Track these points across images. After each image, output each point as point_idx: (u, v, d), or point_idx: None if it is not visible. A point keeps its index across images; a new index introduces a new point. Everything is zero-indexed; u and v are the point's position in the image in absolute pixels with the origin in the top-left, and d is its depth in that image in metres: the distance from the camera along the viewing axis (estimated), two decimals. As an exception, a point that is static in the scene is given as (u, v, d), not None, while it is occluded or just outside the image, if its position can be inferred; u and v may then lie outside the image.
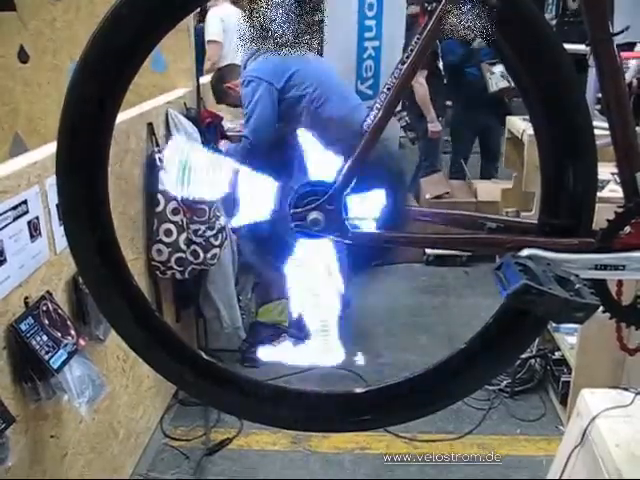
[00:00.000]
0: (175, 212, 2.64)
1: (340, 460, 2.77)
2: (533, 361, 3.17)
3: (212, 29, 4.85)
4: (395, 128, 4.87)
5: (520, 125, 3.35)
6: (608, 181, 2.30)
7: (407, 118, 5.12)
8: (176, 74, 3.22)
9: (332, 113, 3.06)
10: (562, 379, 2.94)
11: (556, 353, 3.08)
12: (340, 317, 1.00)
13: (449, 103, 5.61)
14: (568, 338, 2.89)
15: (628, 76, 2.88)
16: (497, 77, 4.90)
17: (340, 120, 1.02)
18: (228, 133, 3.69)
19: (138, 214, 2.59)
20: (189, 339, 3.12)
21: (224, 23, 4.76)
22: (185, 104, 3.12)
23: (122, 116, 2.42)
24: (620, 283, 1.07)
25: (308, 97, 3.17)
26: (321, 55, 3.31)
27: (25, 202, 1.73)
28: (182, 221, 2.65)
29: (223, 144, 3.46)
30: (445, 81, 5.18)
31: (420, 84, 4.74)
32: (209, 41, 4.87)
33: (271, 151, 0.98)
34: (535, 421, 3.00)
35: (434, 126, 5.00)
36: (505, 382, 3.15)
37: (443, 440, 2.84)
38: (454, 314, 3.92)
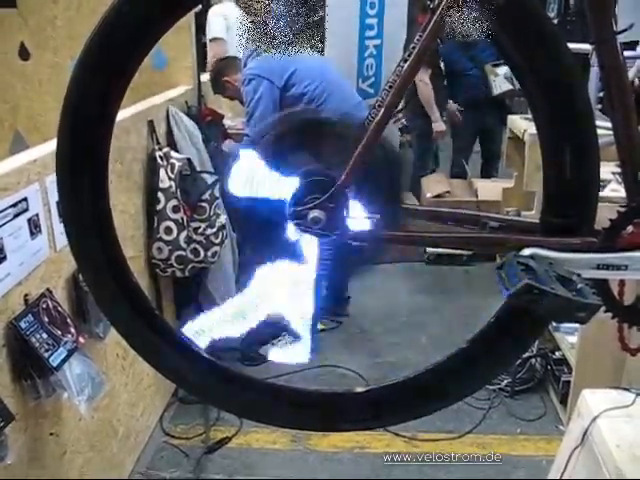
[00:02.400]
0: (175, 210, 2.63)
1: (339, 459, 2.77)
2: (533, 360, 3.16)
3: (215, 27, 4.83)
4: (395, 128, 4.86)
5: (521, 124, 3.34)
6: (609, 180, 2.30)
7: (404, 120, 5.12)
8: (177, 72, 3.22)
9: (333, 111, 3.05)
10: (562, 379, 2.94)
11: (556, 353, 3.08)
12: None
13: (451, 102, 5.61)
14: (568, 338, 2.89)
15: (630, 75, 2.88)
16: (501, 79, 4.89)
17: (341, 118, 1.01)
18: (229, 131, 3.69)
19: (138, 212, 2.59)
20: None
21: (227, 21, 4.74)
22: (186, 102, 3.12)
23: (123, 113, 2.41)
24: (622, 283, 1.07)
25: (309, 95, 3.17)
26: (322, 53, 3.31)
27: (25, 199, 1.73)
28: (182, 219, 2.65)
29: (227, 143, 3.46)
30: (445, 82, 5.18)
31: (425, 83, 4.74)
32: (212, 39, 4.85)
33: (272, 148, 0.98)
34: (535, 421, 3.00)
35: (438, 125, 4.98)
36: (505, 381, 3.14)
37: (443, 439, 2.84)
38: (454, 313, 3.92)
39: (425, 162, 5.23)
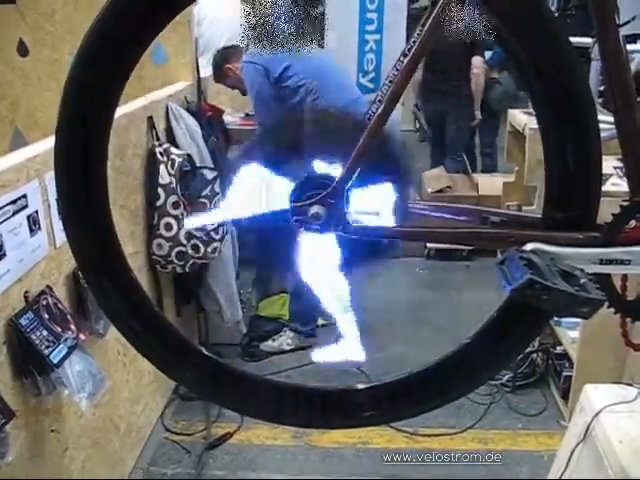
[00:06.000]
0: (175, 206, 2.63)
1: (341, 455, 2.77)
2: (535, 355, 3.16)
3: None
4: (396, 121, 4.88)
5: (522, 118, 3.33)
6: (610, 175, 2.29)
7: (416, 99, 5.30)
8: (177, 67, 3.20)
9: (329, 105, 3.04)
10: (564, 374, 2.94)
11: (558, 347, 3.08)
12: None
13: None
14: (570, 332, 2.89)
15: (632, 67, 2.87)
16: None
17: (339, 112, 1.01)
18: (228, 127, 3.68)
19: (138, 208, 2.58)
20: (190, 333, 3.11)
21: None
22: (186, 97, 3.11)
23: (122, 109, 2.41)
24: (625, 278, 1.06)
25: (305, 87, 3.16)
26: (322, 48, 3.29)
27: (24, 196, 1.72)
28: (182, 215, 2.64)
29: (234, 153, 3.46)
30: None
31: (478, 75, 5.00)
32: None
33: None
34: (536, 416, 3.00)
35: (477, 114, 5.25)
36: (507, 376, 3.14)
37: (444, 435, 2.84)
38: (455, 308, 3.91)
39: (457, 148, 5.35)
